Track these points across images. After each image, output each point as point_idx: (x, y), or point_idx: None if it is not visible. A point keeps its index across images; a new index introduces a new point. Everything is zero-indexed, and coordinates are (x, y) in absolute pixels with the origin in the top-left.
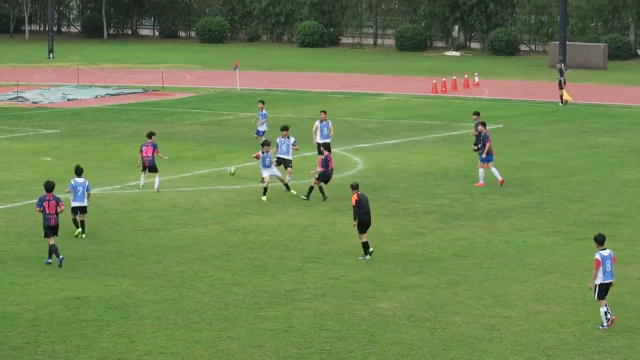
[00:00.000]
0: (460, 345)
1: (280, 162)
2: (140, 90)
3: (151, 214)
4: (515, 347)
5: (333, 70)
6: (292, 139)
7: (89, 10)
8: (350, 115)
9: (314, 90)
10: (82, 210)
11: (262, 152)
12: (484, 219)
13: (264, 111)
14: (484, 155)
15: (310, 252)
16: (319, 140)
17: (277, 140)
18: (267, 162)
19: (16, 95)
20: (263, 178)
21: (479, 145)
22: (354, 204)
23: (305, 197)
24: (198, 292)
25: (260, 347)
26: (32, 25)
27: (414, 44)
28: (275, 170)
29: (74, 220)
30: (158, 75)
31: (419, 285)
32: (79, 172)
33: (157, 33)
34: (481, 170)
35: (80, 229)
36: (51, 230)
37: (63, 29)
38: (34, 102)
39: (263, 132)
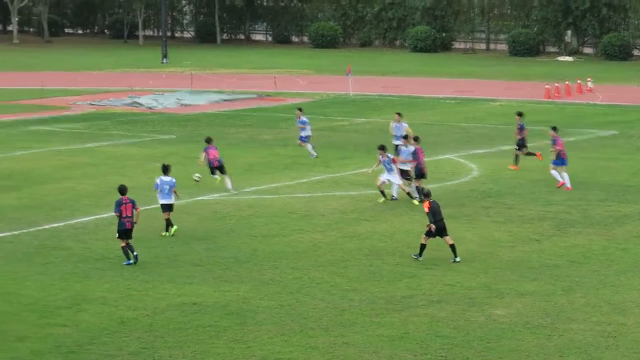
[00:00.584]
0: (576, 352)
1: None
2: (254, 96)
3: (267, 219)
4: (632, 355)
5: (445, 76)
6: (412, 148)
7: (202, 16)
8: (463, 121)
9: (426, 96)
10: (170, 207)
11: (380, 157)
12: (601, 225)
13: (303, 117)
14: (553, 158)
15: (425, 259)
16: (394, 141)
17: (399, 149)
18: (387, 166)
19: (131, 101)
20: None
21: (521, 147)
22: (427, 211)
23: (418, 201)
24: (314, 298)
25: (376, 353)
26: (146, 31)
27: (526, 49)
28: (396, 178)
29: (168, 220)
30: (271, 81)
31: (535, 292)
32: (165, 170)
33: (269, 38)
34: (553, 172)
35: (174, 227)
36: (125, 233)
37: (176, 34)
38: (148, 107)
39: (307, 137)
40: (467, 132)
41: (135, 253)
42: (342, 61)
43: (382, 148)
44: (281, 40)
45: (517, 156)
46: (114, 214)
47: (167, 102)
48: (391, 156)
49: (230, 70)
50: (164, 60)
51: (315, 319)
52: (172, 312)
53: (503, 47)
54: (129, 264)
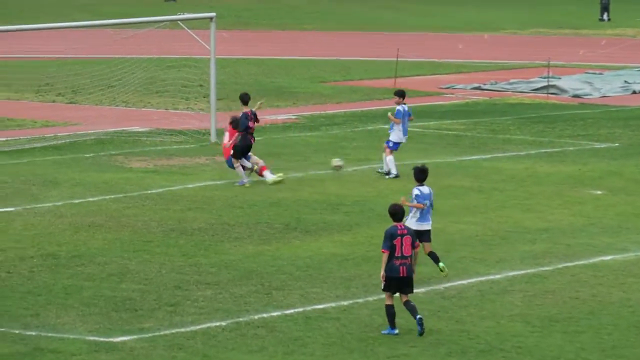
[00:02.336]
0: None
1: None
2: None
3: None
4: None
5: None
6: None
7: None
8: None
9: None
10: (428, 236)
11: None
12: None
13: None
14: None
15: None
16: None
17: None
18: None
19: (545, 84)
20: None
21: None
22: None
23: None
24: None
25: None
26: None
27: None
28: None
29: (433, 255)
30: None
31: None
32: (421, 175)
33: None
34: None
35: (443, 265)
36: (401, 283)
37: None
38: (574, 96)
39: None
40: None
41: (418, 316)
42: None
43: None
44: None
45: None
46: (382, 251)
47: (607, 88)
48: None
49: None
50: (604, 17)
51: None
52: None
53: None
54: (389, 333)
